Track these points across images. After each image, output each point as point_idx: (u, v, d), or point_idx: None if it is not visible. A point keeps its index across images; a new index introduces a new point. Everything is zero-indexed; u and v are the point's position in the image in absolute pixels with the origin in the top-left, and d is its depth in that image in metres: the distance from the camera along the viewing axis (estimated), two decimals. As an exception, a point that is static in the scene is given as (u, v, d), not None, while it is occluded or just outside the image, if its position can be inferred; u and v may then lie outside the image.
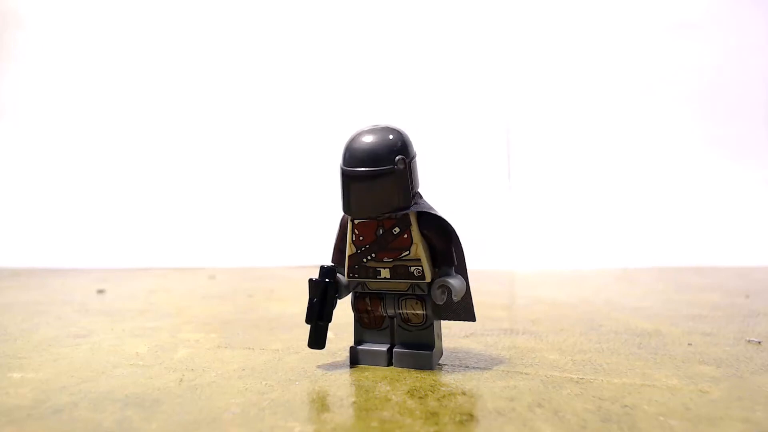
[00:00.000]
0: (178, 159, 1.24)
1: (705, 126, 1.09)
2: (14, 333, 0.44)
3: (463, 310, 0.33)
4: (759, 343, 0.39)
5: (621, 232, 1.07)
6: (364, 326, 0.34)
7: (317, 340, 0.32)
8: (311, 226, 1.09)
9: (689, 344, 0.38)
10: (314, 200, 1.13)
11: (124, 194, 1.24)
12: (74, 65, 1.27)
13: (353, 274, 0.32)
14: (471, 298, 0.33)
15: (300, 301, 0.62)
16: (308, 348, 0.33)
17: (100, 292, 0.73)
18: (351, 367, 0.32)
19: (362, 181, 0.30)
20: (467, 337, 0.41)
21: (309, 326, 0.33)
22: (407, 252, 0.31)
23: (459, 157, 1.12)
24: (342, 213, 0.34)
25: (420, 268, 0.31)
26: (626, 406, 0.25)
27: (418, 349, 0.32)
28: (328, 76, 1.20)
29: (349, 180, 0.30)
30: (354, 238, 0.32)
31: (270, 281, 0.87)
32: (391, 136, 0.31)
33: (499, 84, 1.14)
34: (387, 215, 0.31)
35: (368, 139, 0.30)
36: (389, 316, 0.33)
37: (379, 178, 0.30)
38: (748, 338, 0.40)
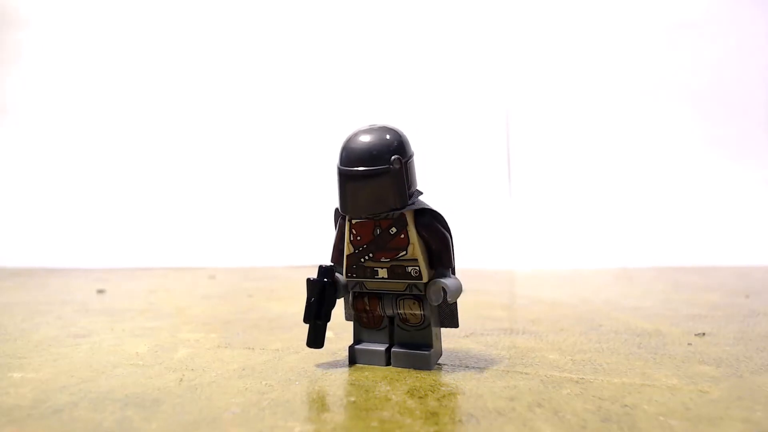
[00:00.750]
0: (179, 159, 1.24)
1: (705, 126, 1.09)
2: (14, 333, 0.44)
3: (447, 317, 0.33)
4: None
5: (621, 232, 1.08)
6: (363, 326, 0.33)
7: (316, 339, 0.32)
8: (311, 226, 1.09)
9: (689, 344, 0.38)
10: (314, 200, 1.13)
11: (124, 194, 1.24)
12: (75, 65, 1.27)
13: (351, 274, 0.32)
14: (456, 304, 0.33)
15: (300, 300, 0.62)
16: (307, 347, 0.33)
17: (100, 292, 0.73)
18: (350, 367, 0.32)
19: (358, 181, 0.30)
20: (467, 337, 0.41)
21: (308, 326, 0.33)
22: (404, 252, 0.31)
23: (458, 157, 1.12)
24: (334, 212, 0.34)
25: (417, 268, 0.31)
26: (626, 405, 0.25)
27: (416, 349, 0.32)
28: (328, 75, 1.20)
29: (345, 179, 0.30)
30: (352, 238, 0.32)
31: (270, 281, 0.87)
32: (387, 136, 0.31)
33: (499, 84, 1.14)
34: (384, 215, 0.31)
35: (365, 139, 0.30)
36: (388, 316, 0.33)
37: (375, 177, 0.30)
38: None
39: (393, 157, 0.30)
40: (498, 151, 1.13)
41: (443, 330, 0.40)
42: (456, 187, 1.10)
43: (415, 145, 0.32)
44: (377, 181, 0.30)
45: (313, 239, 1.02)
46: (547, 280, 0.85)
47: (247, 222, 1.20)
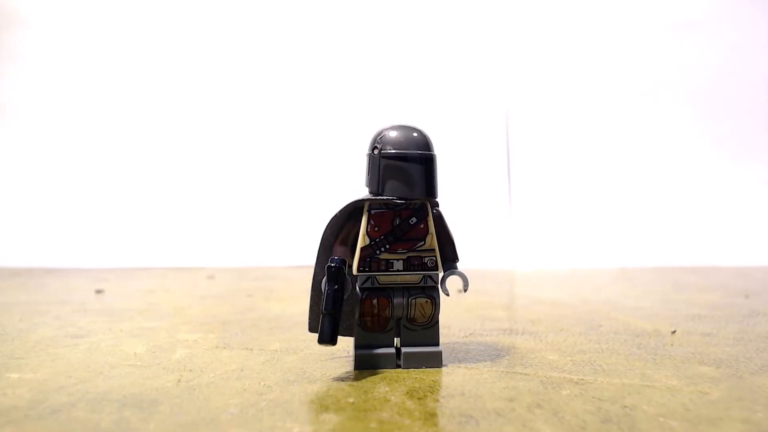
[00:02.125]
0: (178, 159, 1.24)
1: (705, 126, 1.09)
2: (12, 333, 0.44)
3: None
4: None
5: (620, 232, 1.07)
6: (367, 330, 0.32)
7: (333, 333, 0.30)
8: (311, 227, 1.09)
9: (672, 331, 0.38)
10: (314, 200, 1.13)
11: (123, 194, 1.24)
12: (75, 65, 1.27)
13: (364, 268, 0.32)
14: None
15: (300, 300, 0.62)
16: (319, 344, 0.30)
17: (99, 292, 0.73)
18: (356, 371, 0.32)
19: (416, 163, 0.31)
20: (467, 337, 0.41)
21: (314, 322, 0.32)
22: (422, 242, 0.32)
23: (458, 157, 1.12)
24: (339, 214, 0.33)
25: (434, 258, 0.32)
26: (626, 407, 0.25)
27: (425, 347, 0.32)
28: (327, 75, 1.19)
29: (401, 162, 0.31)
30: (369, 229, 0.32)
31: (269, 281, 0.87)
32: (423, 130, 0.33)
33: (499, 83, 1.14)
34: (404, 205, 0.32)
35: (411, 129, 0.32)
36: (395, 318, 0.32)
37: (428, 162, 0.32)
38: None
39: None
40: (498, 151, 1.13)
41: (443, 329, 0.40)
42: (455, 186, 1.10)
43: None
44: (429, 167, 0.32)
45: (313, 239, 1.02)
46: (547, 280, 0.85)
47: (247, 222, 1.20)
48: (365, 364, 0.32)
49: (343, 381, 0.30)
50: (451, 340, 0.40)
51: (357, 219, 0.32)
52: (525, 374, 0.31)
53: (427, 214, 0.32)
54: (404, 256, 0.32)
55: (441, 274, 0.33)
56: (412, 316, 0.32)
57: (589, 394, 0.27)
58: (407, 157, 0.31)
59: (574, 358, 0.34)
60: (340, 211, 0.33)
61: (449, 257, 0.33)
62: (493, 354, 0.36)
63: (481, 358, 0.35)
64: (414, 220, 0.32)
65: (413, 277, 0.32)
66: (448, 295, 0.33)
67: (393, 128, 0.32)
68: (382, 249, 0.32)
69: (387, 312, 0.32)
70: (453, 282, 0.34)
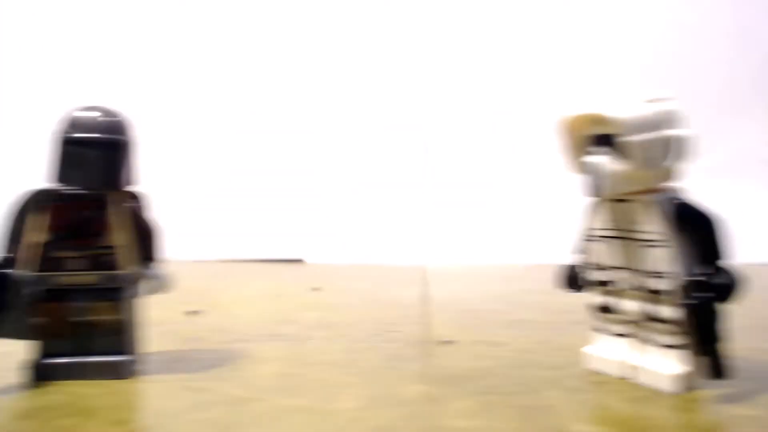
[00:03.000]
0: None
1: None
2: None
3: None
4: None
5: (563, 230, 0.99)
6: (43, 336, 0.29)
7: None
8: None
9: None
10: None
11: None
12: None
13: (39, 267, 0.29)
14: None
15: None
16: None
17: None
18: (35, 386, 0.28)
19: (102, 149, 0.29)
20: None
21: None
22: (105, 239, 0.29)
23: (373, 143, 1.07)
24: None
25: (119, 256, 0.29)
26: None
27: (108, 357, 0.29)
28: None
29: (80, 147, 0.28)
30: (45, 224, 0.29)
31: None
32: (117, 113, 0.30)
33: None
34: (92, 195, 0.29)
35: (101, 110, 0.30)
36: (76, 322, 0.29)
37: (114, 148, 0.29)
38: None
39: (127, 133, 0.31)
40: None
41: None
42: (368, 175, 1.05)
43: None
44: (114, 153, 0.30)
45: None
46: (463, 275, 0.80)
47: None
48: (41, 376, 0.29)
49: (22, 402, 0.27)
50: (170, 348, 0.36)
51: (33, 212, 0.29)
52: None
53: (112, 207, 0.29)
54: (85, 254, 0.29)
55: (131, 274, 0.30)
56: (93, 320, 0.29)
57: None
58: (86, 141, 0.28)
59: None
60: (14, 204, 0.29)
61: (145, 255, 0.30)
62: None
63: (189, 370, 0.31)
64: (96, 213, 0.29)
65: (94, 278, 0.29)
66: (144, 295, 0.30)
67: (81, 109, 0.29)
68: (59, 246, 0.29)
69: (66, 316, 0.29)
70: (146, 282, 0.30)
